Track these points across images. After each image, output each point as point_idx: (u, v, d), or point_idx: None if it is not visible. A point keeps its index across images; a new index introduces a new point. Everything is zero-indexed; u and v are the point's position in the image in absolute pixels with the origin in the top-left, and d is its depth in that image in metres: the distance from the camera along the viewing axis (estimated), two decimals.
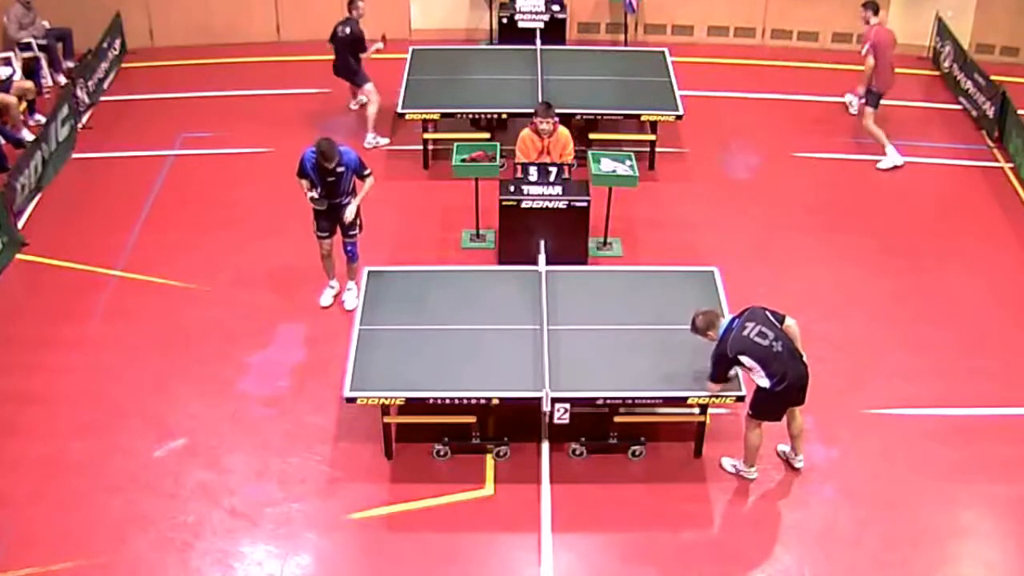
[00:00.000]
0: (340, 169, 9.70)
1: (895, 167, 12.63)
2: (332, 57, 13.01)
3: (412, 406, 8.64)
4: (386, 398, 8.45)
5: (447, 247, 11.38)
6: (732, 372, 8.25)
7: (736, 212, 11.98)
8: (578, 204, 10.68)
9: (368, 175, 9.91)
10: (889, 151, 12.66)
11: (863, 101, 12.74)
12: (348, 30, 12.67)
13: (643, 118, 12.50)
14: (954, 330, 10.30)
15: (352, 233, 10.13)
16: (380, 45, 12.85)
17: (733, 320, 8.12)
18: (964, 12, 15.00)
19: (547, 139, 11.03)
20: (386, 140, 13.15)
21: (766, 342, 7.97)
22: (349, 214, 9.88)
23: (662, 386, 8.53)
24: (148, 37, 15.54)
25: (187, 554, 8.12)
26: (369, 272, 9.70)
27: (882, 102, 12.75)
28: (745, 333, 7.99)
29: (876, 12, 12.57)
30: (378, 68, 13.24)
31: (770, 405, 8.23)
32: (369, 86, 12.97)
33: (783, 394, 8.10)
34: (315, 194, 9.74)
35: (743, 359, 8.00)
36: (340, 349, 9.40)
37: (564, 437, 8.88)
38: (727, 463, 8.76)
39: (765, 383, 8.04)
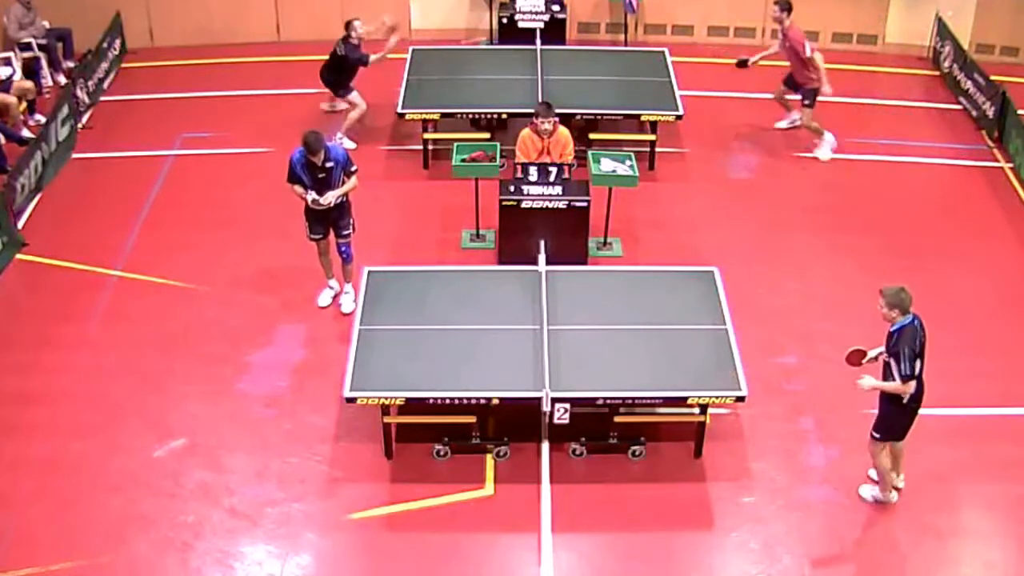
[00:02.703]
0: (329, 164, 9.71)
1: (832, 158, 12.70)
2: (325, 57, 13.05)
3: (412, 406, 8.64)
4: (386, 398, 8.45)
5: (447, 247, 11.38)
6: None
7: (736, 212, 11.98)
8: (578, 204, 10.68)
9: (354, 172, 9.91)
10: (827, 137, 12.73)
11: (805, 102, 12.55)
12: (342, 51, 12.57)
13: (643, 118, 12.50)
14: (954, 330, 10.29)
15: (345, 233, 10.13)
16: (392, 41, 12.79)
17: (914, 318, 7.76)
18: (964, 12, 14.99)
19: (547, 139, 11.03)
20: (352, 145, 12.90)
21: (924, 352, 7.77)
22: (330, 197, 9.76)
23: (662, 386, 8.53)
24: (148, 37, 15.55)
25: (187, 554, 8.12)
26: (369, 272, 9.70)
27: (880, 101, 12.78)
28: (921, 339, 7.71)
29: (789, 11, 12.39)
30: (379, 67, 13.24)
31: (901, 421, 7.96)
32: (353, 95, 12.85)
33: (915, 411, 7.89)
34: (314, 195, 9.75)
35: (916, 363, 7.72)
36: (340, 349, 9.40)
37: (564, 437, 8.88)
38: (867, 493, 8.46)
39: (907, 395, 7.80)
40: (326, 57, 13.00)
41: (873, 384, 7.88)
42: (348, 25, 12.60)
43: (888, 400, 7.94)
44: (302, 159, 9.67)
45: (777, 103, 13.22)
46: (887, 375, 7.85)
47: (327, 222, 10.06)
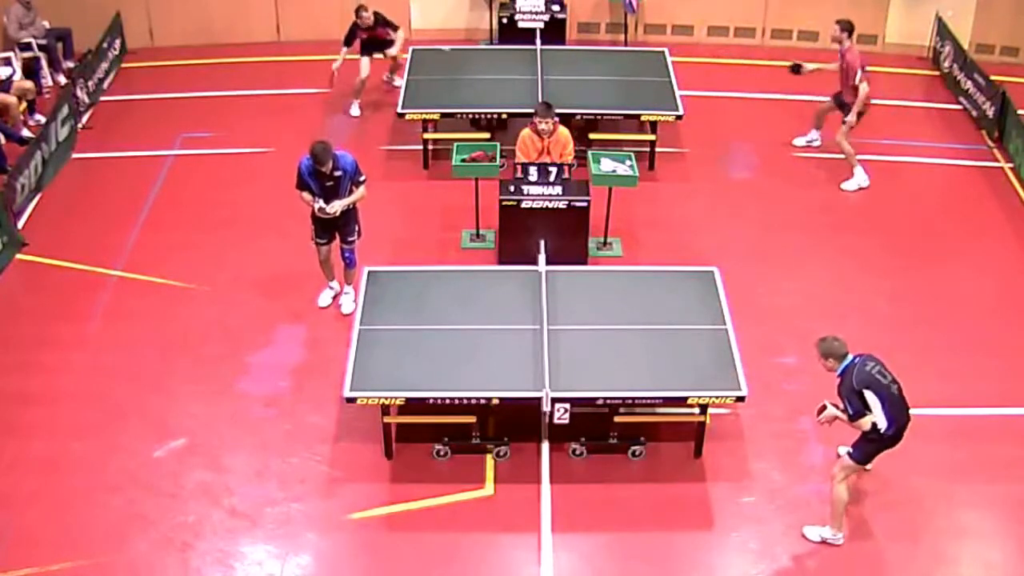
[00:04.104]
0: (337, 173, 9.68)
1: (860, 188, 12.38)
2: (331, 56, 13.13)
3: (412, 406, 8.64)
4: (386, 398, 8.45)
5: (447, 247, 11.38)
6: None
7: (736, 212, 11.98)
8: (578, 204, 10.68)
9: (362, 181, 9.89)
10: (859, 172, 12.41)
11: (846, 118, 12.17)
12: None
13: (643, 118, 12.50)
14: (954, 330, 10.30)
15: (351, 240, 10.11)
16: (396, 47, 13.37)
17: (854, 358, 7.82)
18: (964, 12, 14.99)
19: (547, 139, 11.03)
20: (357, 112, 13.51)
21: (886, 380, 7.78)
22: (336, 206, 9.76)
23: (662, 386, 8.53)
24: (148, 37, 15.55)
25: (187, 554, 8.12)
26: (369, 272, 9.69)
27: (880, 101, 12.72)
28: (868, 368, 7.76)
29: (851, 32, 12.04)
30: (380, 67, 13.28)
31: (875, 450, 7.94)
32: (362, 60, 13.34)
33: (892, 440, 7.84)
34: (321, 203, 9.73)
35: (866, 393, 7.70)
36: (340, 349, 9.40)
37: (564, 437, 8.88)
38: (813, 533, 8.23)
39: (882, 423, 7.72)
40: (326, 57, 13.06)
41: (833, 413, 7.87)
42: (356, 10, 13.08)
43: (864, 433, 7.87)
44: (310, 167, 9.65)
45: (814, 116, 12.91)
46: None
47: (333, 227, 10.04)
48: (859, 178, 12.36)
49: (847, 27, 12.01)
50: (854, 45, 12.04)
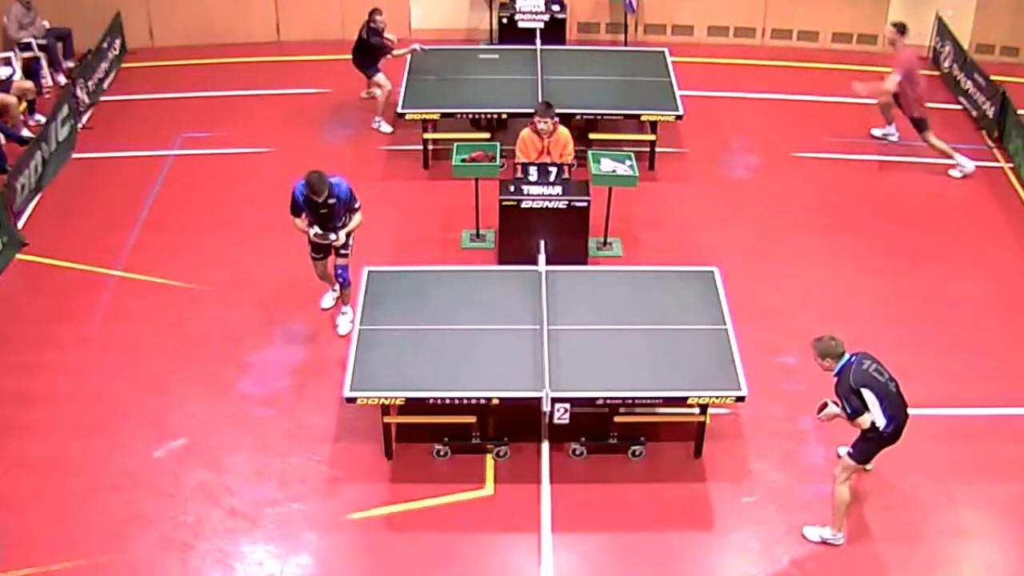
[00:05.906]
0: (331, 201, 9.59)
1: (965, 175, 12.48)
2: (331, 56, 13.09)
3: (412, 406, 8.64)
4: (386, 398, 8.45)
5: (447, 247, 11.38)
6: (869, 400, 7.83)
7: (736, 212, 11.98)
8: (578, 204, 10.68)
9: (358, 208, 9.83)
10: (959, 159, 12.46)
11: (918, 129, 12.25)
12: (365, 35, 12.92)
13: (643, 118, 12.50)
14: (954, 330, 10.30)
15: (343, 252, 9.97)
16: (407, 51, 13.16)
17: (851, 357, 7.83)
18: (964, 12, 15.00)
19: (547, 139, 11.03)
20: (389, 128, 13.23)
21: (883, 378, 7.79)
22: (341, 236, 9.74)
23: (662, 386, 8.53)
24: (148, 37, 15.55)
25: (187, 554, 8.12)
26: (369, 272, 9.69)
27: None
28: (864, 367, 7.76)
29: (904, 32, 12.14)
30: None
31: (875, 448, 7.95)
32: (379, 76, 13.14)
33: (891, 438, 7.85)
34: (318, 230, 9.69)
35: (864, 392, 7.70)
36: (340, 349, 9.40)
37: (564, 437, 8.88)
38: (813, 534, 8.24)
39: (881, 422, 7.73)
40: (326, 57, 13.05)
41: (833, 411, 7.87)
42: (371, 12, 12.90)
43: (863, 432, 7.89)
44: (304, 193, 9.58)
45: (880, 111, 12.97)
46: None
47: (330, 246, 9.95)
48: (960, 164, 12.43)
49: (903, 28, 12.05)
50: (906, 46, 12.09)
